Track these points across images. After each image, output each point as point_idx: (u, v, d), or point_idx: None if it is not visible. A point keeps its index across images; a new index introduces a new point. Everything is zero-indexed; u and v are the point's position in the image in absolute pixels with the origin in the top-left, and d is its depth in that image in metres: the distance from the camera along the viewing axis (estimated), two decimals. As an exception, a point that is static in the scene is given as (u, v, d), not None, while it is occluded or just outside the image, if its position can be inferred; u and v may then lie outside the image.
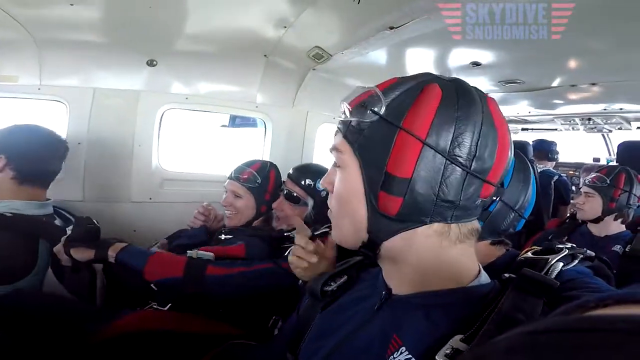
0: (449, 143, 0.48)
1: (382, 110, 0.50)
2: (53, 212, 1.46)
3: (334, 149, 0.56)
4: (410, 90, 0.51)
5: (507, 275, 0.56)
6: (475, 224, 0.56)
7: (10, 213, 1.27)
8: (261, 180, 1.54)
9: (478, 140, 0.49)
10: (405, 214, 0.50)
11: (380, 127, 0.51)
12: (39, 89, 1.66)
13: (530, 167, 0.93)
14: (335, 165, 0.57)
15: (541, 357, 0.17)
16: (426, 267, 0.53)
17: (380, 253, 0.54)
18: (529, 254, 0.89)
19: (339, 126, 0.56)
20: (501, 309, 0.46)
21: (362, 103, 0.52)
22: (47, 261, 1.30)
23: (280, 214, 1.56)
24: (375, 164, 0.51)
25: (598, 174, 1.71)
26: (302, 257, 0.97)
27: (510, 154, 0.54)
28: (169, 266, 1.22)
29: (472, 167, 0.49)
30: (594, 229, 1.76)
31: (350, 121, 0.53)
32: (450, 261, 0.53)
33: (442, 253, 0.53)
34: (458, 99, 0.49)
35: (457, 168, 0.49)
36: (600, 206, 1.68)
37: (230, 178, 1.55)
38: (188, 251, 1.30)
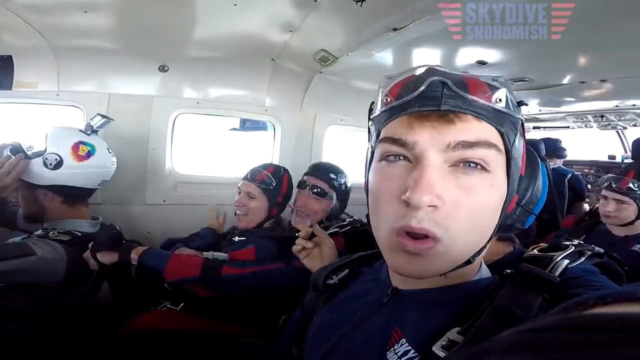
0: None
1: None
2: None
3: (484, 143, 0.45)
4: None
5: (508, 270, 0.56)
6: None
7: (80, 232, 1.38)
8: (275, 183, 1.57)
9: None
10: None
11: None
12: (57, 94, 1.70)
13: (540, 163, 0.93)
14: (464, 166, 0.46)
15: (540, 355, 0.17)
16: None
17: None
18: (535, 251, 0.89)
19: (486, 113, 0.46)
20: (498, 303, 0.47)
21: (517, 100, 0.49)
22: (100, 273, 1.38)
23: (304, 210, 1.59)
24: (518, 165, 0.50)
25: (627, 178, 1.63)
26: (299, 243, 1.11)
27: None
28: (188, 266, 1.28)
29: None
30: (616, 229, 1.72)
31: (507, 113, 0.47)
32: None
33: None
34: None
35: None
36: (635, 212, 1.63)
37: (245, 179, 1.58)
38: (204, 252, 1.36)
